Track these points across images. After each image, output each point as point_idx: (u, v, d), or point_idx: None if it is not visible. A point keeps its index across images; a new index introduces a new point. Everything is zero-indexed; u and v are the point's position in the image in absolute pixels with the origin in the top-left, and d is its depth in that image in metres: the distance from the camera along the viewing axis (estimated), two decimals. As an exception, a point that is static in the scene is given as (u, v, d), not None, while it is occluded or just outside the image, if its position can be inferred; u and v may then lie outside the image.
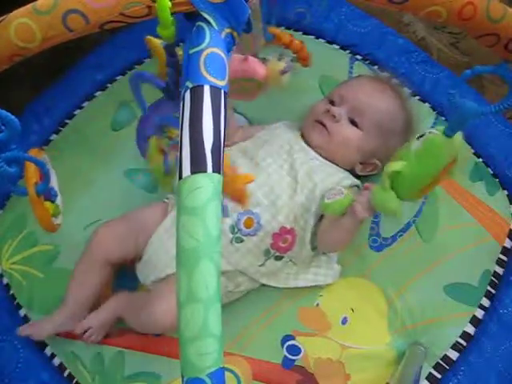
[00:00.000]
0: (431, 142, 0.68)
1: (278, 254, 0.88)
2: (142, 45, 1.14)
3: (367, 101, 0.92)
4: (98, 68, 1.12)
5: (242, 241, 0.86)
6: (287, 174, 0.88)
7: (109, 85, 1.12)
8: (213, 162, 0.49)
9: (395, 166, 0.71)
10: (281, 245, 0.87)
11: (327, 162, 0.92)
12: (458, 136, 0.70)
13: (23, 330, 0.87)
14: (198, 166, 0.48)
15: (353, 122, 0.92)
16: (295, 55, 0.93)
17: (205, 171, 0.48)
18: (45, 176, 0.65)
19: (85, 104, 1.10)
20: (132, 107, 1.08)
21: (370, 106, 0.91)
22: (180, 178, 0.48)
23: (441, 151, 0.68)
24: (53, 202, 0.70)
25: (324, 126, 0.92)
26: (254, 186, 0.85)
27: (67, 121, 1.09)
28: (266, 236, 0.86)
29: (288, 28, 1.14)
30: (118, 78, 1.12)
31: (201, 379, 0.43)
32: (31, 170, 0.65)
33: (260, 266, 0.88)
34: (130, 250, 0.90)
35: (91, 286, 0.88)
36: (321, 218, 0.90)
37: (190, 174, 0.47)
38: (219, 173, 0.49)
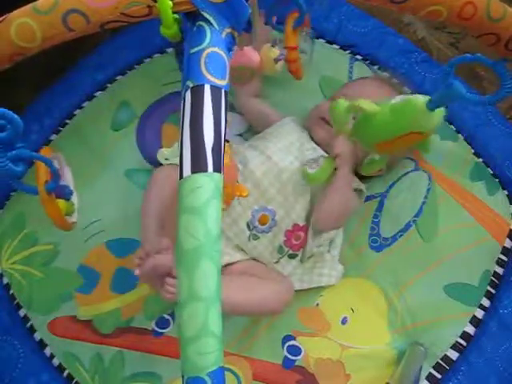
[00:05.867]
0: (409, 102, 0.70)
1: (291, 251, 0.89)
2: (142, 45, 1.15)
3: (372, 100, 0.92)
4: (98, 68, 1.12)
5: (258, 238, 0.87)
6: (298, 170, 0.88)
7: (109, 85, 1.11)
8: (213, 161, 0.49)
9: (366, 104, 0.73)
10: (294, 242, 0.89)
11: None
12: (440, 114, 0.71)
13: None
14: (198, 166, 0.48)
15: None
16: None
17: (205, 171, 0.48)
18: (54, 174, 0.65)
19: (85, 104, 1.10)
20: (132, 107, 1.08)
21: None
22: (181, 177, 0.48)
23: (414, 114, 0.69)
24: (67, 199, 0.70)
25: (328, 123, 0.93)
26: (267, 183, 0.86)
27: (67, 121, 1.09)
28: (279, 232, 0.87)
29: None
30: (117, 77, 1.12)
31: (201, 378, 0.43)
32: (41, 169, 0.65)
33: (275, 263, 0.90)
34: None
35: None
36: None
37: (190, 173, 0.48)
38: (220, 172, 0.49)
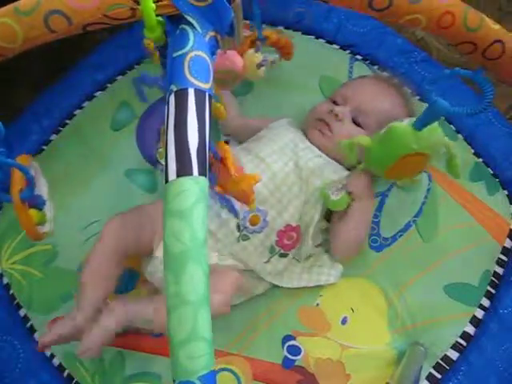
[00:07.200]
0: (392, 129, 0.77)
1: (282, 251, 0.89)
2: (142, 45, 1.15)
3: (370, 100, 0.92)
4: (98, 68, 1.12)
5: (248, 238, 0.86)
6: (292, 171, 0.88)
7: (109, 85, 1.12)
8: (198, 164, 0.49)
9: (360, 139, 0.82)
10: (286, 242, 0.88)
11: (331, 161, 0.93)
12: (432, 132, 0.74)
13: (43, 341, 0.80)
14: (183, 169, 0.48)
15: (356, 122, 0.92)
16: (279, 51, 0.94)
17: (190, 174, 0.48)
18: (29, 182, 0.64)
19: (85, 104, 1.10)
20: (132, 107, 1.08)
21: (373, 106, 0.91)
22: (166, 181, 0.48)
23: (401, 139, 0.76)
24: (40, 209, 0.69)
25: (327, 125, 0.92)
26: (259, 184, 0.85)
27: (67, 121, 1.09)
28: (271, 233, 0.87)
29: (287, 28, 1.14)
30: (118, 78, 1.12)
31: (192, 383, 0.43)
32: (16, 177, 0.64)
33: (265, 262, 0.89)
34: (141, 241, 0.86)
35: (106, 284, 0.83)
36: (327, 216, 0.92)
37: (175, 177, 0.48)
38: (205, 175, 0.49)
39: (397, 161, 0.78)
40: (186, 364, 0.43)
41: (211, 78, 0.54)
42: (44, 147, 1.07)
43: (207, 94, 0.52)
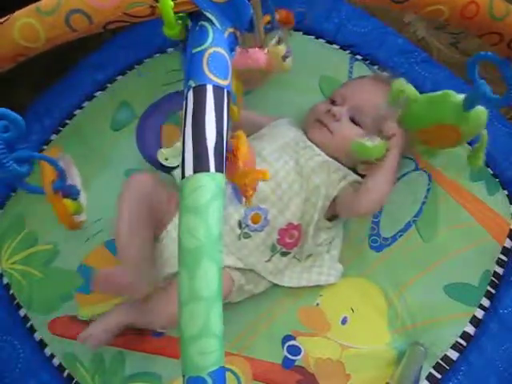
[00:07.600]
0: (444, 94, 0.76)
1: (284, 249, 0.89)
2: (142, 45, 1.15)
3: (368, 99, 0.92)
4: (98, 68, 1.12)
5: (249, 236, 0.87)
6: (293, 169, 0.89)
7: (109, 85, 1.12)
8: (215, 161, 0.49)
9: (409, 90, 0.82)
10: (287, 240, 0.88)
11: (331, 159, 0.93)
12: (477, 115, 0.74)
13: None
14: (200, 166, 0.48)
15: (354, 121, 0.92)
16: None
17: (207, 170, 0.48)
18: (60, 173, 0.65)
19: (85, 104, 1.10)
20: (132, 107, 1.08)
21: (370, 105, 0.91)
22: (183, 177, 0.48)
23: (448, 107, 0.76)
24: (74, 199, 0.70)
25: (325, 125, 0.93)
26: (261, 183, 0.85)
27: (67, 121, 1.09)
28: (272, 231, 0.87)
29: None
30: (118, 78, 1.12)
31: (202, 378, 0.43)
32: (47, 169, 0.65)
33: (266, 261, 0.89)
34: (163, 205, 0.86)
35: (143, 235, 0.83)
36: (328, 216, 0.91)
37: (192, 173, 0.48)
38: (222, 172, 0.49)
39: (432, 126, 0.78)
40: (197, 359, 0.43)
41: (230, 75, 0.54)
42: (44, 147, 1.07)
43: (225, 91, 0.52)
